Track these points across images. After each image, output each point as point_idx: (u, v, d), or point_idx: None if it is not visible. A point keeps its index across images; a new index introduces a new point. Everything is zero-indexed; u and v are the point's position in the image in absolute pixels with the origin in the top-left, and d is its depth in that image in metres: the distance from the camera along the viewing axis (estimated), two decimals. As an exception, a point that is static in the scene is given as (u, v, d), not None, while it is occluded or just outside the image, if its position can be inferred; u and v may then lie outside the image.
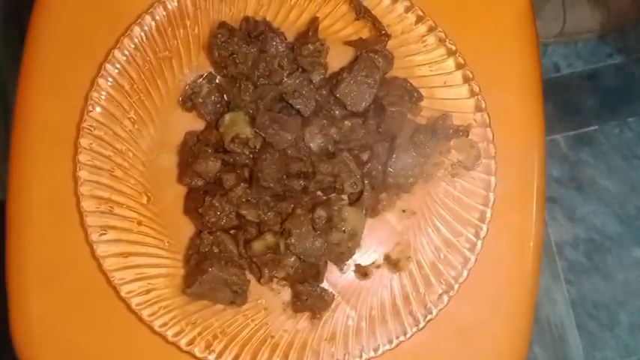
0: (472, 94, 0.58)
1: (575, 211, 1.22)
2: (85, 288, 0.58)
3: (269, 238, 0.55)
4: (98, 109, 0.57)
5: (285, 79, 0.57)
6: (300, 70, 0.58)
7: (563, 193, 1.22)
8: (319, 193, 0.58)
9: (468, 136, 0.58)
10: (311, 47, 0.57)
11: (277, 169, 0.56)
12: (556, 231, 1.22)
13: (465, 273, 0.57)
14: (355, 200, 0.57)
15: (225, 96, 0.59)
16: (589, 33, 1.20)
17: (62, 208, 0.59)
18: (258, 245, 0.55)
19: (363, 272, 0.59)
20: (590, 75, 1.24)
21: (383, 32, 0.59)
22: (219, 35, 0.57)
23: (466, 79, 0.58)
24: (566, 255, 1.21)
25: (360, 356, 0.56)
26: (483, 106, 0.58)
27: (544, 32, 1.18)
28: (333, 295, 0.57)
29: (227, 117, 0.56)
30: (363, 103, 0.56)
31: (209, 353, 0.55)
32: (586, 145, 1.23)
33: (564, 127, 1.23)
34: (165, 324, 0.56)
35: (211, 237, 0.56)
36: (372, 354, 0.56)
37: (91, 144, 0.57)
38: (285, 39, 0.58)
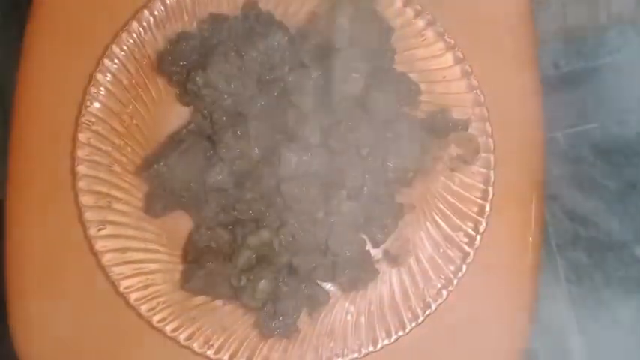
0: (471, 88, 0.58)
1: (576, 209, 1.22)
2: (84, 284, 0.58)
3: (264, 235, 0.55)
4: (96, 104, 0.57)
5: (287, 76, 0.57)
6: (300, 65, 0.58)
7: (564, 191, 1.22)
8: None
9: (467, 130, 0.58)
10: (312, 42, 0.57)
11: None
12: (556, 229, 1.22)
13: (464, 267, 0.56)
14: (355, 195, 0.57)
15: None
16: (589, 30, 1.20)
17: (61, 204, 0.58)
18: (253, 240, 0.55)
19: (361, 267, 0.59)
20: (590, 72, 1.24)
21: (386, 26, 0.58)
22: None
23: (465, 74, 0.58)
24: (567, 253, 1.21)
25: (359, 351, 0.56)
26: (482, 100, 0.58)
27: (544, 29, 1.18)
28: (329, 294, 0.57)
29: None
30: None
31: (208, 348, 0.55)
32: (586, 143, 1.23)
33: (564, 125, 1.23)
34: (163, 319, 0.55)
35: (209, 232, 0.56)
36: (370, 349, 0.56)
37: (90, 139, 0.57)
38: (288, 32, 0.58)
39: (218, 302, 0.57)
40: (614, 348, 1.19)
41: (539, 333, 1.16)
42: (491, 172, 0.57)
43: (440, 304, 0.56)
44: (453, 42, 0.58)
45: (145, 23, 0.58)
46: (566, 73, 1.24)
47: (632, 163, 1.23)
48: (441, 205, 0.58)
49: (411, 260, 0.58)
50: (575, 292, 1.20)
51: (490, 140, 0.58)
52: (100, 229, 0.56)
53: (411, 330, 0.56)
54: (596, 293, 1.19)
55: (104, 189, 0.57)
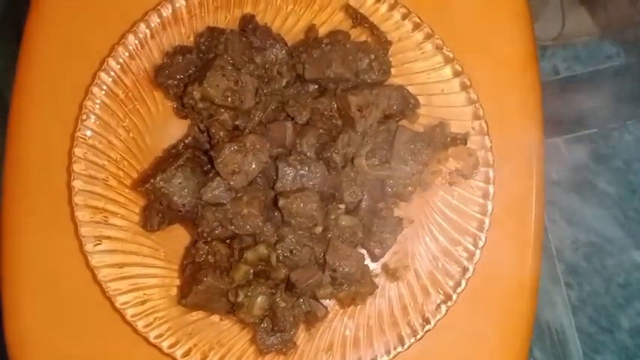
0: (470, 101, 0.58)
1: (575, 214, 1.22)
2: (80, 299, 0.58)
3: (261, 250, 0.55)
4: (92, 118, 0.57)
5: (285, 90, 0.57)
6: (297, 77, 0.58)
7: (563, 196, 1.22)
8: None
9: (466, 144, 0.57)
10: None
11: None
12: (555, 234, 1.21)
13: (464, 283, 0.56)
14: (353, 209, 0.57)
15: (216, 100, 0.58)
16: (588, 36, 1.20)
17: (56, 218, 0.58)
18: (251, 255, 0.55)
19: (360, 282, 0.58)
20: (589, 78, 1.24)
21: (383, 40, 0.58)
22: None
23: (464, 87, 0.58)
24: (566, 258, 1.21)
25: (358, 367, 0.55)
26: (481, 113, 0.57)
27: (543, 35, 1.18)
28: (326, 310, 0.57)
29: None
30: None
31: (205, 364, 0.55)
32: (585, 148, 1.23)
33: (564, 130, 1.22)
34: (160, 335, 0.55)
35: (206, 246, 0.56)
36: (369, 365, 0.55)
37: (86, 153, 0.56)
38: (286, 45, 0.58)
39: (215, 318, 0.56)
40: (611, 352, 1.18)
41: (538, 337, 1.17)
42: (491, 187, 0.57)
43: (439, 319, 0.56)
44: (451, 55, 0.58)
45: (141, 36, 0.58)
46: (566, 77, 1.24)
47: (632, 168, 1.22)
48: (440, 220, 0.58)
49: (410, 275, 0.57)
50: (574, 296, 1.19)
51: (489, 154, 0.57)
52: (96, 245, 0.56)
53: (410, 346, 0.55)
54: (596, 298, 1.19)
55: (100, 203, 0.56)
